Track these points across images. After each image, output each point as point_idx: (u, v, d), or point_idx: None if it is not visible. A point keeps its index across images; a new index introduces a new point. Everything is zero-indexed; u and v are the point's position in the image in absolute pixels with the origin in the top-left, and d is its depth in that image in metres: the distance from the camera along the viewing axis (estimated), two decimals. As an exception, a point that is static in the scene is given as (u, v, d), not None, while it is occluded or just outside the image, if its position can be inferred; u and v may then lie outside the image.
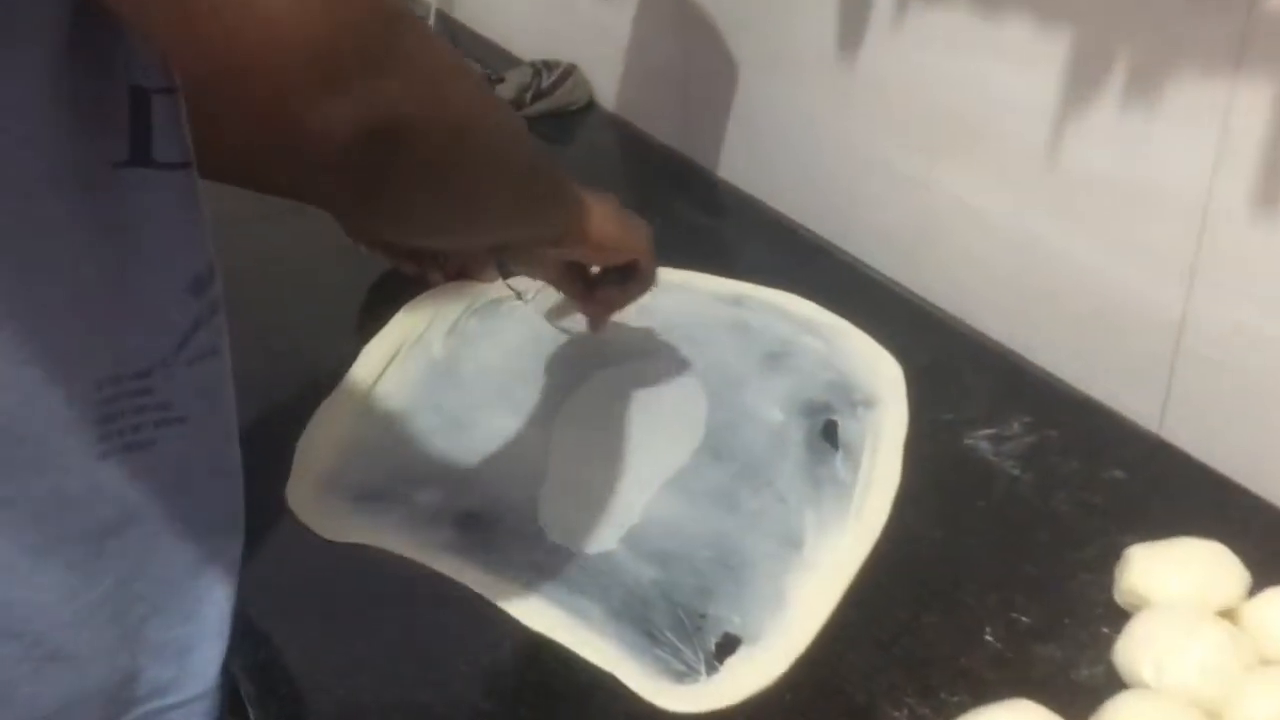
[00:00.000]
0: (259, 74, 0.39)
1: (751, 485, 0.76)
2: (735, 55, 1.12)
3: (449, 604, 0.68)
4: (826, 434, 0.81)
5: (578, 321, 0.88)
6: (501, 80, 1.34)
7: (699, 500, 0.75)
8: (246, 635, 0.68)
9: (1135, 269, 0.79)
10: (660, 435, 0.82)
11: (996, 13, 0.83)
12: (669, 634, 0.65)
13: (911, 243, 0.97)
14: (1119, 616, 0.65)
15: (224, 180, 0.48)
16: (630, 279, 0.80)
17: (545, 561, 0.71)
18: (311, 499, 0.76)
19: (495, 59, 1.51)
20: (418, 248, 0.98)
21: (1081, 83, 0.78)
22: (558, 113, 1.36)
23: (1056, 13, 0.78)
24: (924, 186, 0.94)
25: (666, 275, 1.02)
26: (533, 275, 0.86)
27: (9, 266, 0.43)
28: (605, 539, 0.72)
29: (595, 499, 0.76)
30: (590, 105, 1.38)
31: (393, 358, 0.91)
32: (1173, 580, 0.64)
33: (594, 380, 0.88)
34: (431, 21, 1.55)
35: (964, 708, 0.60)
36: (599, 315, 0.84)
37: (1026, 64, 0.81)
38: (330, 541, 0.73)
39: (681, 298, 0.98)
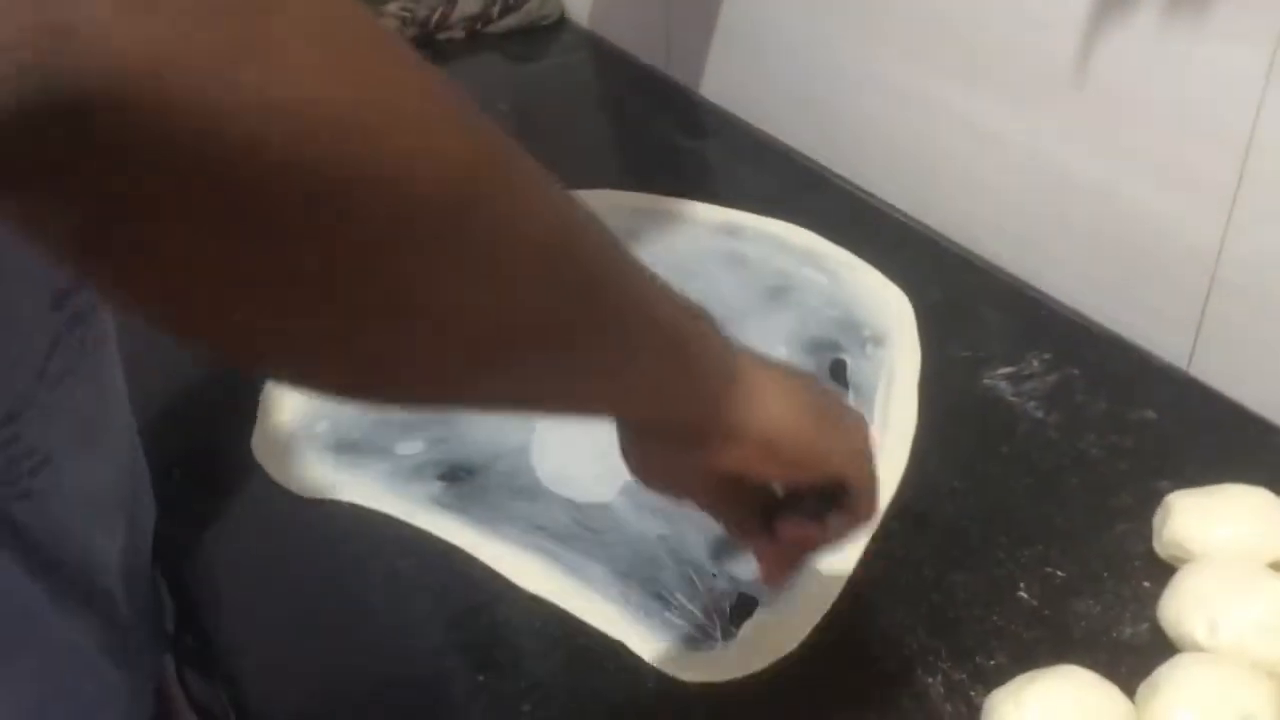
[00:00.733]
0: None
1: (758, 430, 0.71)
2: (723, -35, 1.05)
3: (436, 566, 0.63)
4: (835, 373, 0.76)
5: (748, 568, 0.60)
6: (468, -8, 1.26)
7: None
8: (211, 606, 0.62)
9: (1169, 196, 0.73)
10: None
11: (1021, -85, 0.76)
12: (679, 596, 0.60)
13: (917, 169, 0.91)
14: (1160, 569, 0.61)
15: None
16: (835, 507, 0.49)
17: (541, 516, 0.65)
18: (280, 451, 0.70)
19: (459, -29, 1.42)
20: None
21: (1117, -8, 0.72)
22: (527, 29, 1.28)
23: (1090, -86, 0.72)
24: (932, 107, 0.88)
25: (653, 203, 0.96)
26: (666, 491, 0.49)
27: None
28: (605, 489, 0.66)
29: (593, 446, 0.70)
30: (562, 20, 1.30)
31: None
32: (1219, 531, 0.60)
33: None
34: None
35: (1004, 671, 0.55)
36: (778, 569, 0.52)
37: (1053, -29, 0.75)
38: (302, 498, 0.67)
39: (671, 227, 0.92)
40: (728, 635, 0.58)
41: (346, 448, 0.70)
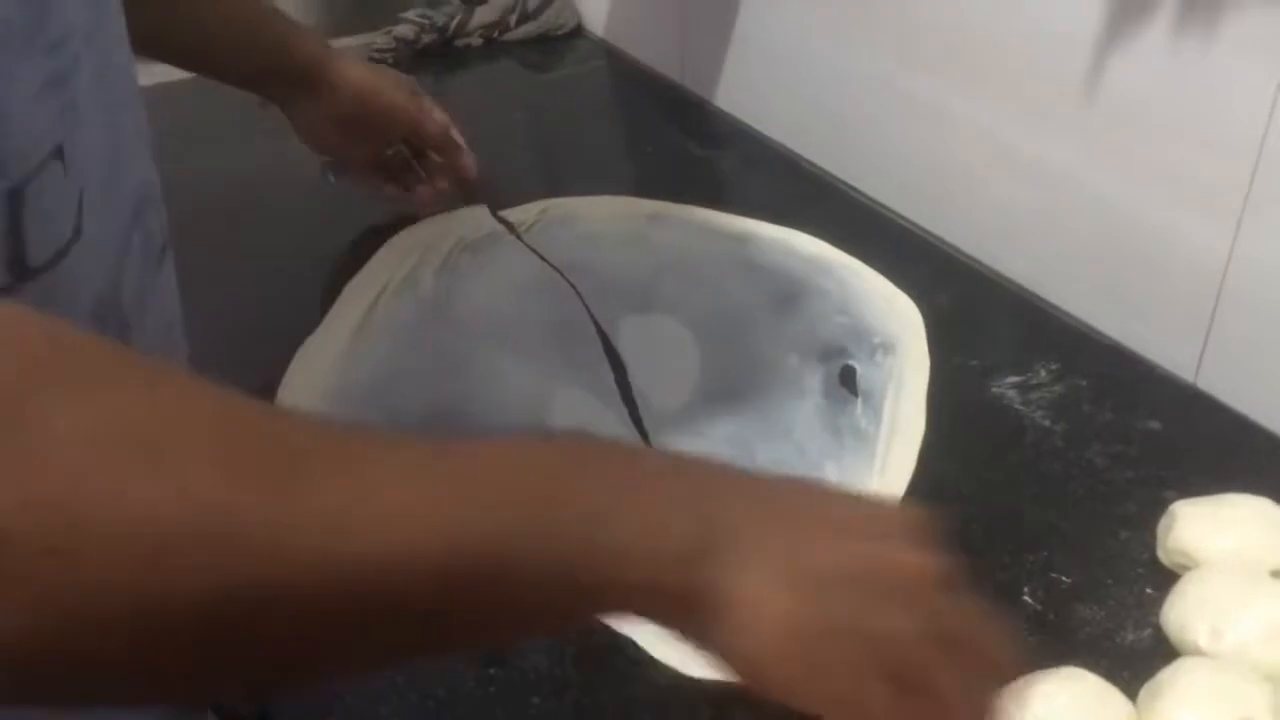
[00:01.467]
0: None
1: (767, 434, 0.72)
2: (739, -24, 1.06)
3: (449, 561, 0.64)
4: (845, 380, 0.76)
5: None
6: (485, 1, 1.27)
7: (713, 448, 0.70)
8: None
9: (1179, 207, 0.74)
10: (667, 379, 0.77)
11: (1034, -70, 0.77)
12: (688, 595, 0.61)
13: (928, 178, 0.92)
14: (1164, 577, 0.61)
15: None
16: None
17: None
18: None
19: (477, -21, 1.43)
20: (390, 163, 0.90)
21: (1129, 4, 0.73)
22: (543, 37, 1.29)
23: (1103, -71, 0.73)
24: (945, 120, 0.89)
25: (666, 210, 0.98)
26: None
27: None
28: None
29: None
30: (578, 30, 1.31)
31: (378, 297, 0.85)
32: (1222, 539, 0.61)
33: (599, 318, 0.83)
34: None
35: (1007, 675, 0.56)
36: None
37: (1065, -15, 0.76)
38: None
39: (683, 234, 0.93)
40: (735, 634, 0.59)
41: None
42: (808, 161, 1.03)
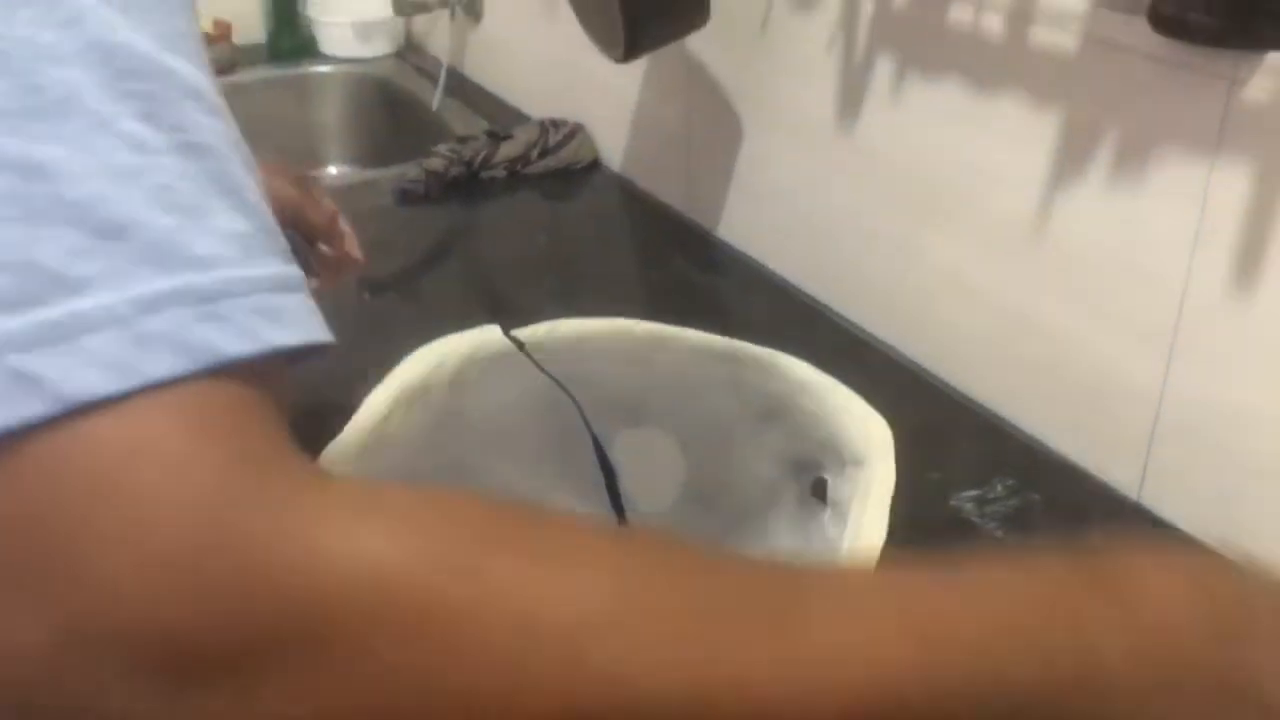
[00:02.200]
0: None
1: (742, 538, 0.79)
2: (738, 121, 1.16)
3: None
4: (816, 490, 0.83)
5: None
6: (510, 137, 1.37)
7: (690, 551, 0.77)
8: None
9: (1117, 341, 0.81)
10: (653, 485, 0.84)
11: (990, 89, 0.86)
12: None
13: (903, 307, 1.00)
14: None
15: None
16: None
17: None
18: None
19: (505, 116, 1.55)
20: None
21: (1070, 159, 0.81)
22: (563, 170, 1.39)
23: (1048, 91, 0.82)
24: (916, 254, 0.97)
25: (664, 332, 1.06)
26: None
27: None
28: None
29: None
30: (595, 164, 1.41)
31: (392, 407, 0.93)
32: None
33: (595, 429, 0.90)
34: (443, 80, 1.59)
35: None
36: None
37: (1018, 139, 0.84)
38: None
39: (679, 355, 1.01)
40: None
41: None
42: (799, 289, 1.11)
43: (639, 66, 1.30)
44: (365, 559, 0.25)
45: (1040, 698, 0.32)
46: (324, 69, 1.74)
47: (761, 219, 1.16)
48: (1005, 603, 0.34)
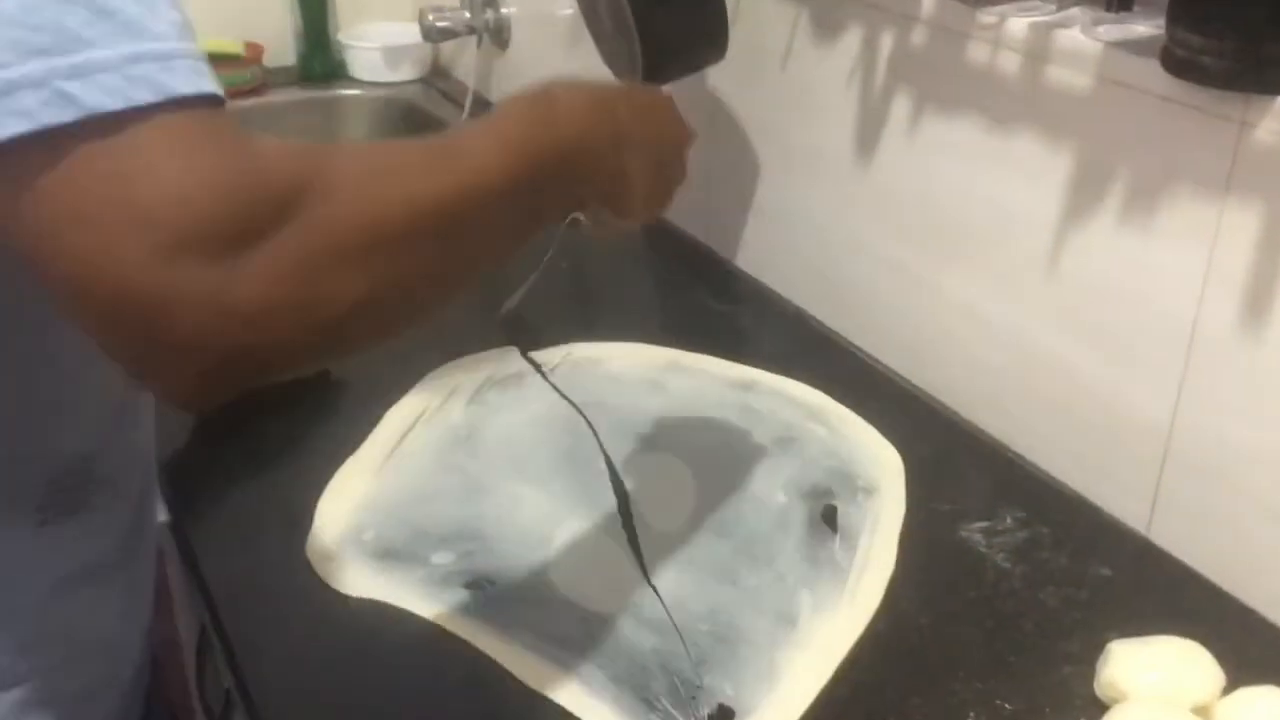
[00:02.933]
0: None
1: (752, 562, 0.80)
2: (757, 153, 1.18)
3: (456, 661, 0.71)
4: (827, 518, 0.84)
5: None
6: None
7: (701, 573, 0.78)
8: (262, 686, 0.71)
9: (1127, 378, 0.82)
10: (665, 509, 0.85)
11: (1005, 127, 0.88)
12: (665, 701, 0.68)
13: (916, 339, 1.01)
14: (1098, 709, 0.67)
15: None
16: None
17: (551, 625, 0.74)
18: (331, 554, 0.80)
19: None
20: None
21: (1083, 197, 0.82)
22: (585, 196, 1.40)
23: (1062, 130, 0.83)
24: (930, 287, 0.98)
25: (680, 358, 1.07)
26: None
27: None
28: (610, 605, 0.75)
29: (603, 567, 0.79)
30: (617, 192, 1.42)
31: (414, 424, 0.95)
32: (1150, 675, 0.67)
33: (610, 453, 0.92)
34: (469, 105, 1.62)
35: (945, 788, 0.62)
36: None
37: (1032, 177, 0.86)
38: (348, 597, 0.77)
39: (694, 381, 1.02)
40: (704, 739, 0.66)
41: (388, 555, 0.80)
42: (815, 319, 1.13)
43: (662, 97, 1.31)
44: (286, 169, 0.45)
45: (569, 152, 0.60)
46: (353, 92, 1.77)
47: (779, 250, 1.18)
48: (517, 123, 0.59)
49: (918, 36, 0.93)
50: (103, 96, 0.41)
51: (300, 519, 0.83)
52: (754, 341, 1.13)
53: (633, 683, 0.69)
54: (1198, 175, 0.74)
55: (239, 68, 1.66)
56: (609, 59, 1.11)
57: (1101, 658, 0.70)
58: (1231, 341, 0.74)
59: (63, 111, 0.41)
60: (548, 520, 0.84)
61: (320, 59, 1.77)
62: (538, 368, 1.03)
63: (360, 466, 0.90)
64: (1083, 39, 0.80)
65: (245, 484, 0.87)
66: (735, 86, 1.18)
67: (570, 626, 0.74)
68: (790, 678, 0.70)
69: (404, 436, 0.93)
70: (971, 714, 0.68)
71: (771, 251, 1.19)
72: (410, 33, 1.67)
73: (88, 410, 0.64)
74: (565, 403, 0.98)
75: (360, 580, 0.78)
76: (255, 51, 1.71)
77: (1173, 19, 0.70)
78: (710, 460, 0.91)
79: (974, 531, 0.83)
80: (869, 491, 0.87)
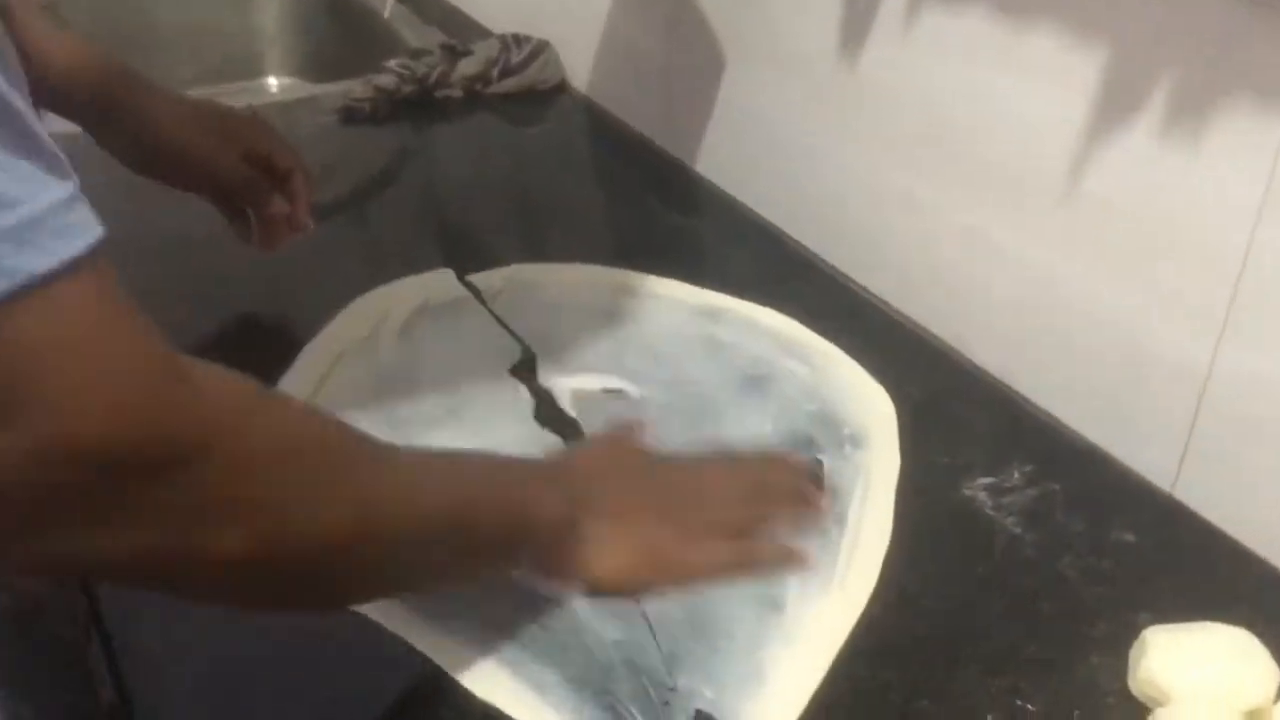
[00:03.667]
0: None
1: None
2: (725, 45, 1.05)
3: (374, 658, 0.60)
4: (811, 474, 0.74)
5: None
6: (469, 53, 1.25)
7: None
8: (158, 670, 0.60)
9: (1159, 314, 0.72)
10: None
11: (1022, 21, 0.76)
12: (633, 709, 0.58)
13: (909, 264, 0.90)
14: (1135, 708, 0.59)
15: None
16: None
17: (492, 610, 0.62)
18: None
19: (463, 29, 1.42)
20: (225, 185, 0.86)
21: (1114, 106, 0.71)
22: (526, 91, 1.28)
23: (1092, 25, 0.72)
24: (926, 205, 0.87)
25: (634, 280, 0.95)
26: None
27: None
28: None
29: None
30: (562, 86, 1.29)
31: (334, 363, 0.82)
32: (1196, 673, 0.58)
33: (561, 394, 0.80)
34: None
35: (965, 814, 0.53)
36: None
37: (1052, 81, 0.75)
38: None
39: (650, 307, 0.90)
40: (681, 757, 0.56)
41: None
42: (789, 237, 1.01)
43: (613, -22, 1.17)
44: (221, 403, 0.44)
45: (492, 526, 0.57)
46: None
47: (747, 156, 1.05)
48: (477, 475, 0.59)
49: (919, -91, 0.81)
50: None
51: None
52: (719, 262, 1.01)
53: (594, 686, 0.59)
54: (1260, 80, 0.63)
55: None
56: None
57: (1135, 648, 0.61)
58: (1290, 279, 0.64)
59: None
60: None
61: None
62: (477, 293, 0.90)
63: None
64: (1124, -88, 0.68)
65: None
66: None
67: (516, 613, 0.63)
68: (778, 679, 0.60)
69: (323, 380, 0.81)
70: (989, 717, 0.58)
71: (739, 157, 1.07)
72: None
73: None
74: (508, 335, 0.86)
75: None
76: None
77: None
78: (670, 402, 0.80)
79: (978, 490, 0.73)
80: (856, 442, 0.77)
